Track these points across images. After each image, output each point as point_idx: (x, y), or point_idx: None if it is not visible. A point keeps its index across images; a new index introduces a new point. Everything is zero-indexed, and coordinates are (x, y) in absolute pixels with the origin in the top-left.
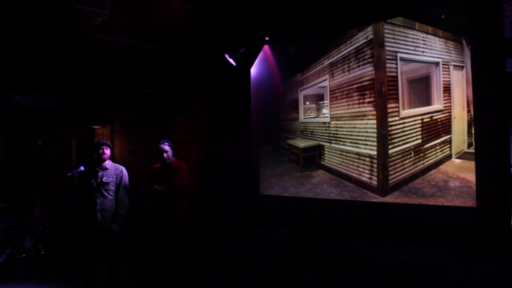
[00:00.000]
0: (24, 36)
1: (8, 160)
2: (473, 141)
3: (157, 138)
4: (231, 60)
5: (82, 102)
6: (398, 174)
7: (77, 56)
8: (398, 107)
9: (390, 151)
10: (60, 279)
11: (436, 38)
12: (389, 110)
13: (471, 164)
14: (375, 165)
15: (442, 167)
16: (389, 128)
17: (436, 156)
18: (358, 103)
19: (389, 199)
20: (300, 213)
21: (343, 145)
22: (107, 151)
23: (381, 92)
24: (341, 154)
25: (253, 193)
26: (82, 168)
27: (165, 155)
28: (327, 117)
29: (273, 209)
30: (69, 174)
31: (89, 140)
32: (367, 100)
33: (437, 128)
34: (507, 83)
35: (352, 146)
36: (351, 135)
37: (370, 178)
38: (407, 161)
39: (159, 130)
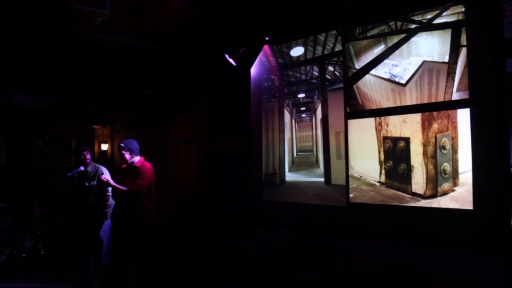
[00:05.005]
0: (24, 36)
1: (8, 160)
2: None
3: (157, 138)
4: (231, 60)
5: (82, 102)
6: None
7: (77, 56)
8: None
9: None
10: (60, 279)
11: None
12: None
13: None
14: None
15: None
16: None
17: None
18: None
19: None
20: (300, 212)
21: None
22: (88, 156)
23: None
24: None
25: (253, 193)
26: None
27: (122, 155)
28: None
29: (273, 209)
30: (69, 174)
31: (89, 140)
32: None
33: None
34: (507, 83)
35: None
36: None
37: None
38: None
39: (159, 130)
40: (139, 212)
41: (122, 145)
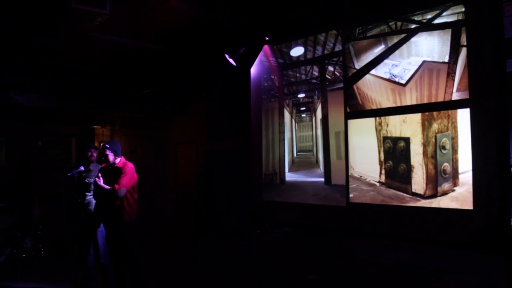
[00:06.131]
0: (24, 36)
1: (8, 160)
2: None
3: (157, 138)
4: (231, 60)
5: (82, 102)
6: None
7: (77, 56)
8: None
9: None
10: (60, 279)
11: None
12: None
13: None
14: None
15: None
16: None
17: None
18: None
19: None
20: (300, 212)
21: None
22: (95, 154)
23: None
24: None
25: (253, 193)
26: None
27: (106, 156)
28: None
29: (273, 209)
30: (69, 174)
31: (89, 140)
32: None
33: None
34: (507, 83)
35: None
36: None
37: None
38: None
39: (159, 130)
40: (125, 210)
41: (108, 146)
